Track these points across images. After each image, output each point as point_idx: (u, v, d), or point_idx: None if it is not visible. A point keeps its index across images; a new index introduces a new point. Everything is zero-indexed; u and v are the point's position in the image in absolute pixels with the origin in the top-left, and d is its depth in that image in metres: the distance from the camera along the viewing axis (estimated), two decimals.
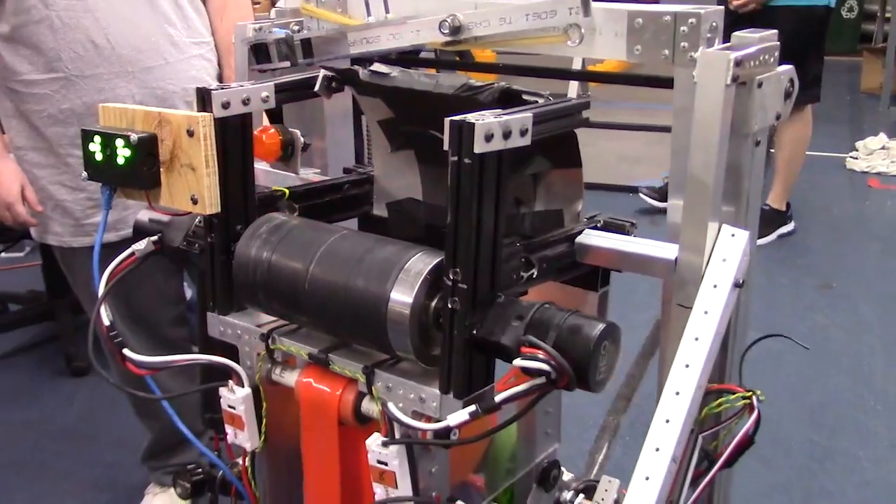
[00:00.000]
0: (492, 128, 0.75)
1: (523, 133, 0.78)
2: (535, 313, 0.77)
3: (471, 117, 0.75)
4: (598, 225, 0.96)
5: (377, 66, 0.97)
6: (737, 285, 0.84)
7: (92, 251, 1.02)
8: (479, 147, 0.74)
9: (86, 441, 2.41)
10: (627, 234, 0.94)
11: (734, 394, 0.85)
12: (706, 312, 0.82)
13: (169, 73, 1.67)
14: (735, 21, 3.29)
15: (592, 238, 0.93)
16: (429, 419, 0.84)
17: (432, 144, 0.90)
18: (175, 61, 1.67)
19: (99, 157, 0.97)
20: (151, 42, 1.64)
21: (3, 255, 3.21)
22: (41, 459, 2.35)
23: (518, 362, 0.75)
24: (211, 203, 0.94)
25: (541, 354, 0.73)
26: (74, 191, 1.68)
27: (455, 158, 0.76)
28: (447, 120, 0.75)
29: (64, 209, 1.71)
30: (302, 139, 1.15)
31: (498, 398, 0.77)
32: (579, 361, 0.74)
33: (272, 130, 1.13)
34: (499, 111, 0.78)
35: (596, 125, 1.15)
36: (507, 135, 0.77)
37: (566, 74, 0.95)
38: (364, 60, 1.09)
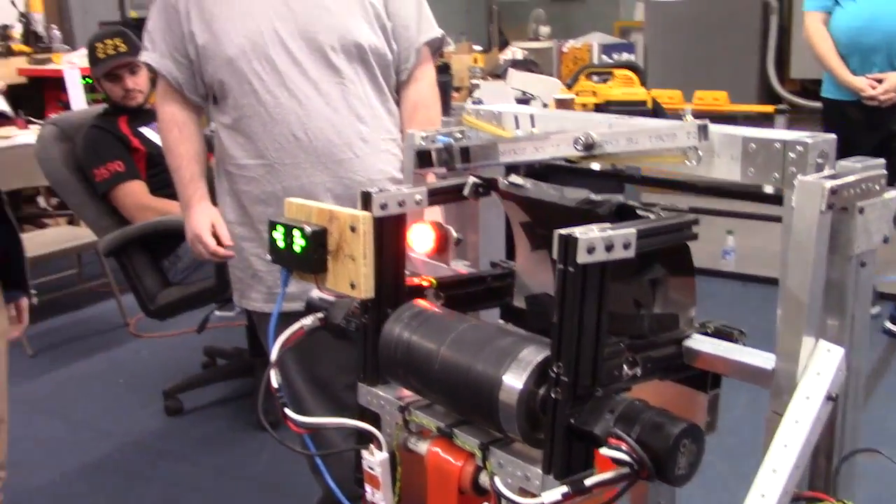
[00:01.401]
0: (594, 242, 0.85)
1: (626, 247, 0.88)
2: (625, 408, 0.86)
3: (577, 231, 0.86)
4: (709, 331, 1.03)
5: (513, 178, 1.10)
6: (830, 398, 0.88)
7: (281, 317, 1.19)
8: (582, 258, 0.85)
9: (269, 490, 2.63)
10: (735, 341, 1.01)
11: (823, 502, 0.88)
12: (797, 422, 0.88)
13: (357, 165, 1.91)
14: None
15: (698, 343, 1.00)
16: (534, 496, 0.93)
17: None
18: (364, 155, 1.90)
19: (281, 244, 1.16)
20: (344, 137, 1.89)
21: (217, 313, 3.57)
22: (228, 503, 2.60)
23: (603, 451, 0.83)
24: (366, 289, 1.09)
25: (624, 446, 0.82)
26: (268, 263, 1.92)
27: (561, 267, 0.87)
28: (556, 232, 0.87)
29: (260, 278, 1.96)
30: (455, 234, 1.29)
31: (588, 482, 0.86)
32: (659, 456, 0.82)
33: (429, 226, 1.28)
34: (607, 226, 0.89)
35: None
36: (609, 248, 0.87)
37: (684, 187, 1.04)
38: (515, 167, 1.23)
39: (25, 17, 6.53)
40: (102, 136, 3.01)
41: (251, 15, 1.86)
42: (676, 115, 5.00)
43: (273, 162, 1.90)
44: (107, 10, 6.92)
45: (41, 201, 5.60)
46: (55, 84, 5.93)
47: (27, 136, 4.63)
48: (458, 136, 1.33)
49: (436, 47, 2.10)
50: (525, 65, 6.72)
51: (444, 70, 6.74)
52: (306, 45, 1.88)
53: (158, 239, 2.98)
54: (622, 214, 0.99)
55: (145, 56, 1.99)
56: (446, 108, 4.02)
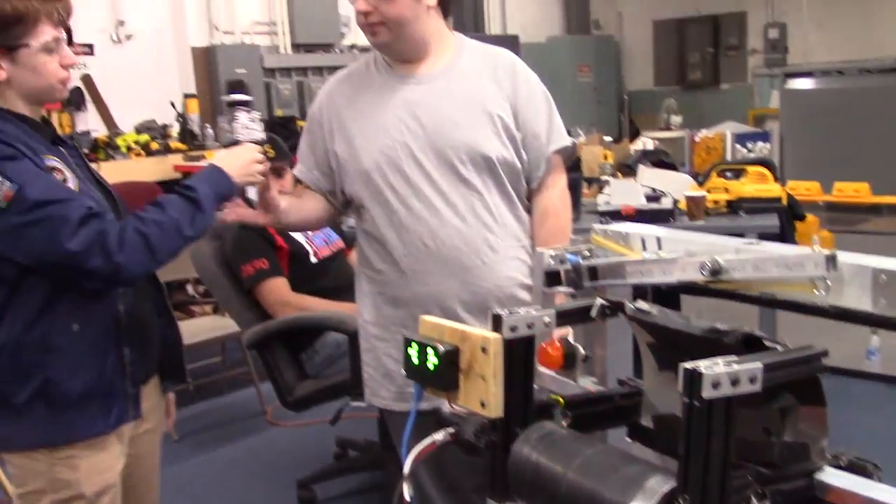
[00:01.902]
0: (719, 377, 0.87)
1: (752, 381, 0.89)
2: None
3: (702, 365, 0.88)
4: (842, 464, 1.01)
5: (640, 304, 1.13)
6: None
7: (408, 416, 1.24)
8: (707, 393, 0.87)
9: None
10: (870, 476, 0.99)
11: None
12: None
13: (485, 272, 2.00)
14: None
15: (831, 477, 0.99)
16: None
17: None
18: (491, 262, 1.97)
19: (415, 360, 1.22)
20: (472, 245, 1.99)
21: (352, 403, 3.67)
22: None
23: None
24: (495, 408, 1.13)
25: None
26: (399, 363, 1.99)
27: (686, 401, 0.89)
28: (681, 366, 0.89)
29: (391, 377, 2.04)
30: (583, 352, 1.32)
31: None
32: None
33: (557, 343, 1.31)
34: (733, 359, 0.90)
35: None
36: (735, 382, 0.88)
37: (815, 311, 1.04)
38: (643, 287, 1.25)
39: (182, 118, 7.05)
40: (249, 234, 3.20)
41: (385, 131, 2.00)
42: (813, 205, 4.86)
43: (404, 268, 2.01)
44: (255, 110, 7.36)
45: (189, 289, 5.94)
46: None
47: None
48: (587, 254, 1.37)
49: (566, 156, 2.16)
50: (656, 155, 6.72)
51: (574, 165, 6.83)
52: (436, 158, 1.99)
53: (297, 333, 3.12)
54: (749, 345, 1.00)
55: (297, 171, 2.18)
56: (577, 205, 4.06)
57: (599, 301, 1.23)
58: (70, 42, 1.85)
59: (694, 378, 0.88)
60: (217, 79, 7.25)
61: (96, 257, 1.64)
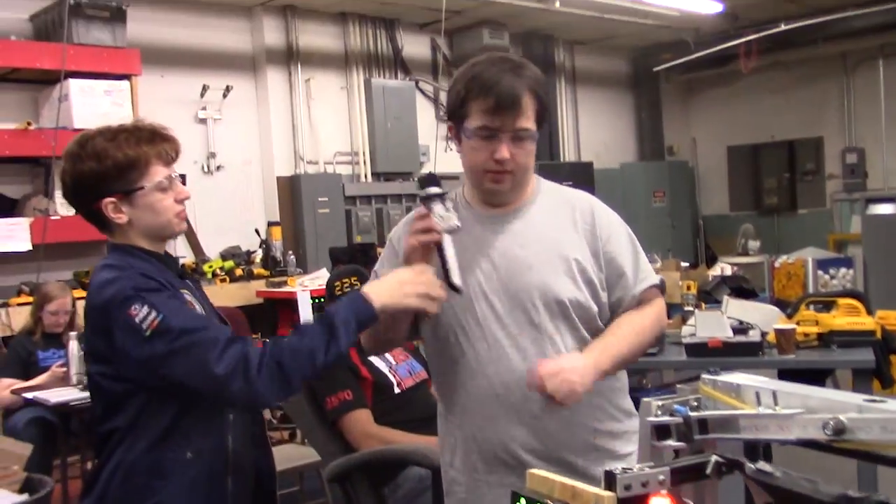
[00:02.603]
0: None
1: None
2: None
3: None
4: None
5: (762, 465, 1.09)
6: None
7: None
8: None
9: None
10: None
11: None
12: None
13: (556, 419, 1.90)
14: None
15: None
16: None
17: None
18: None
19: None
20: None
21: None
22: None
23: None
24: None
25: None
26: None
27: None
28: None
29: None
30: None
31: None
32: None
33: (669, 500, 1.27)
34: None
35: None
36: None
37: None
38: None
39: (266, 244, 7.27)
40: (334, 366, 3.23)
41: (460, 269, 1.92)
42: None
43: (472, 412, 1.97)
44: (336, 236, 7.56)
45: (267, 413, 5.98)
46: (287, 305, 6.46)
47: None
48: (694, 403, 1.35)
49: (658, 293, 2.10)
50: (735, 281, 6.63)
51: None
52: (508, 301, 1.93)
53: (380, 466, 3.09)
54: None
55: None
56: (660, 337, 4.00)
57: (715, 458, 1.20)
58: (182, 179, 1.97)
59: None
60: (300, 206, 7.48)
61: (238, 381, 1.70)
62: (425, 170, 8.20)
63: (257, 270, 7.05)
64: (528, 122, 1.87)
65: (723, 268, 7.11)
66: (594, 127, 10.37)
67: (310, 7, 7.67)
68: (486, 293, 1.93)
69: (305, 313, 6.00)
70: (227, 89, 7.30)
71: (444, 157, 7.11)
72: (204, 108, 7.24)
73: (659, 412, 1.34)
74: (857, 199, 9.73)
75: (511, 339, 1.92)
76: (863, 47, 9.59)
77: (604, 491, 1.11)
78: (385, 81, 8.16)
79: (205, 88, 7.18)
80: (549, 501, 1.15)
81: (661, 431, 1.32)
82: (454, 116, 1.92)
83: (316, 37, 7.85)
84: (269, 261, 7.18)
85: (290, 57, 7.66)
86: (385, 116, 8.03)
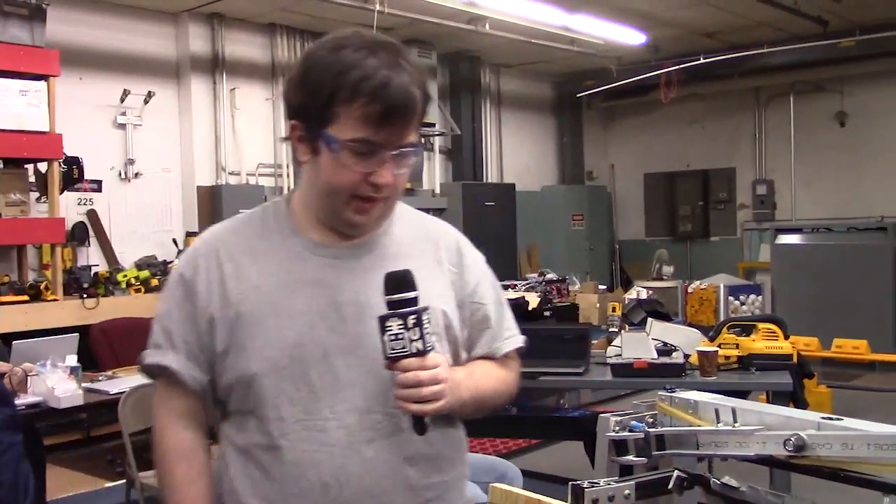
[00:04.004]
0: None
1: None
2: None
3: None
4: None
5: (727, 479, 1.11)
6: None
7: None
8: None
9: None
10: None
11: None
12: None
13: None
14: None
15: None
16: None
17: None
18: None
19: None
20: (384, 486, 1.42)
21: None
22: None
23: None
24: None
25: None
26: None
27: None
28: None
29: None
30: None
31: None
32: None
33: None
34: None
35: None
36: None
37: None
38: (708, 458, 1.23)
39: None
40: None
41: (289, 319, 1.45)
42: (811, 361, 4.86)
43: None
44: None
45: None
46: None
47: None
48: (650, 420, 1.36)
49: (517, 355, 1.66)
50: (650, 304, 6.77)
51: (572, 309, 6.88)
52: (357, 364, 1.45)
53: None
54: None
55: (165, 361, 1.48)
56: (585, 356, 4.05)
57: (677, 473, 1.21)
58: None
59: None
60: (221, 217, 7.27)
61: None
62: None
63: None
64: (414, 135, 1.42)
65: (638, 291, 7.26)
66: (517, 149, 10.51)
67: (238, 16, 7.57)
68: (327, 354, 1.42)
69: None
70: (149, 95, 7.13)
71: None
72: (123, 114, 7.05)
73: (616, 428, 1.35)
74: (767, 228, 10.09)
75: (355, 413, 1.42)
76: (775, 83, 9.99)
77: None
78: None
79: (125, 93, 6.99)
80: None
81: (619, 447, 1.33)
82: (310, 117, 1.39)
83: (243, 46, 7.75)
84: None
85: (215, 65, 7.54)
86: None
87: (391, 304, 1.33)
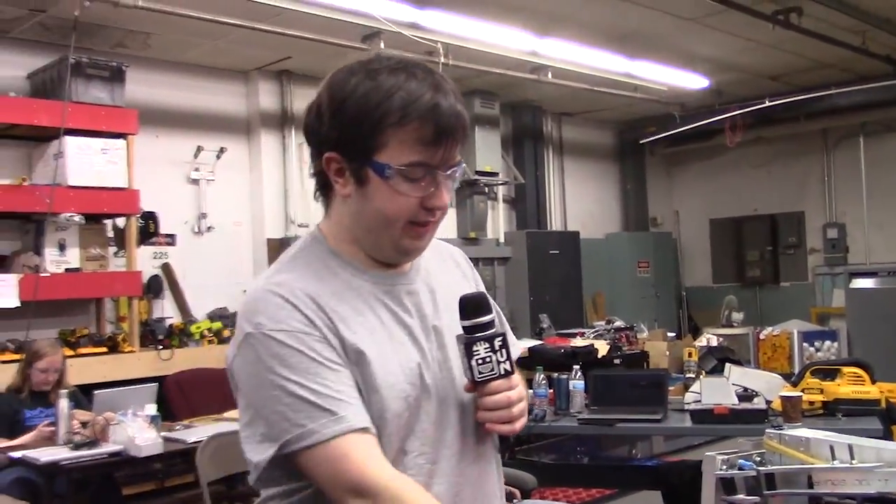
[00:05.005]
0: None
1: None
2: None
3: None
4: None
5: None
6: None
7: None
8: None
9: None
10: None
11: None
12: None
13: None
14: None
15: None
16: None
17: None
18: None
19: None
20: None
21: None
22: None
23: None
24: None
25: None
26: None
27: None
28: None
29: None
30: None
31: None
32: None
33: None
34: None
35: None
36: None
37: None
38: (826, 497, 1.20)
39: None
40: None
41: (403, 350, 1.44)
42: None
43: None
44: None
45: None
46: None
47: None
48: (757, 459, 1.33)
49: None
50: (721, 352, 6.66)
51: (641, 357, 6.78)
52: (449, 389, 1.47)
53: None
54: None
55: (353, 420, 1.32)
56: (663, 402, 3.98)
57: None
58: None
59: None
60: None
61: None
62: None
63: None
64: (459, 153, 1.39)
65: (709, 338, 7.14)
66: (580, 197, 10.48)
67: (305, 72, 7.75)
68: (428, 386, 1.39)
69: None
70: (221, 151, 7.32)
71: None
72: (197, 169, 7.24)
73: (724, 467, 1.32)
74: (840, 273, 9.85)
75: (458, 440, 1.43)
76: (844, 125, 9.83)
77: None
78: None
79: (199, 149, 7.19)
80: None
81: (727, 487, 1.30)
82: (353, 147, 1.35)
83: (309, 101, 7.91)
84: None
85: (284, 121, 7.72)
86: None
87: (473, 328, 1.34)
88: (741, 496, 1.26)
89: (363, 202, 1.36)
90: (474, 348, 1.32)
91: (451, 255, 1.60)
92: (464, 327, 1.35)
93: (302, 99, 7.82)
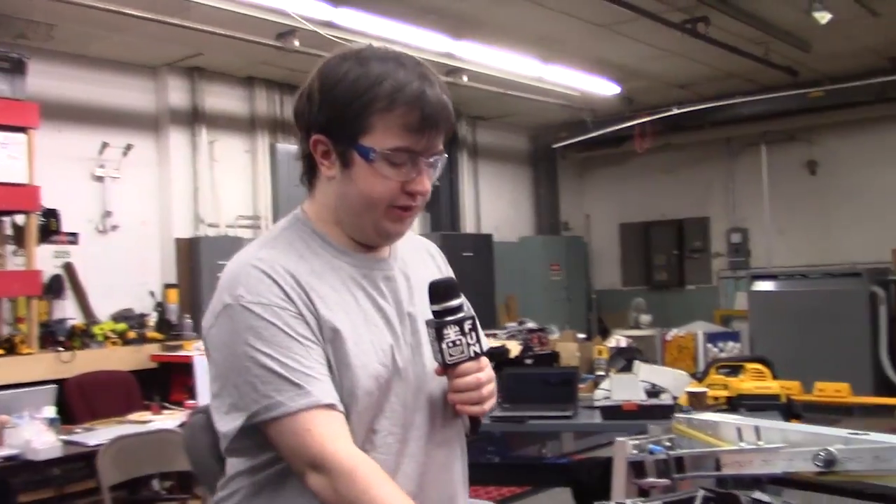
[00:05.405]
0: None
1: None
2: None
3: None
4: None
5: (759, 495, 1.09)
6: None
7: None
8: None
9: None
10: None
11: None
12: None
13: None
14: None
15: None
16: None
17: None
18: None
19: None
20: (457, 490, 1.52)
21: None
22: None
23: None
24: None
25: None
26: None
27: None
28: None
29: None
30: None
31: None
32: None
33: None
34: None
35: None
36: None
37: None
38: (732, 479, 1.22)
39: (161, 307, 7.02)
40: None
41: (378, 331, 1.47)
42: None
43: None
44: None
45: (156, 484, 5.67)
46: (183, 369, 6.21)
47: (162, 420, 4.80)
48: (667, 444, 1.35)
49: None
50: (630, 353, 6.80)
51: (552, 357, 6.86)
52: (423, 374, 1.50)
53: None
54: None
55: (321, 396, 1.34)
56: (573, 400, 4.03)
57: (703, 492, 1.20)
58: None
59: None
60: (199, 269, 7.27)
61: None
62: None
63: (151, 334, 6.78)
64: (442, 143, 1.45)
65: (618, 340, 7.29)
66: (494, 200, 10.56)
67: (217, 69, 7.60)
68: (400, 369, 1.42)
69: (202, 378, 5.77)
70: (128, 148, 7.11)
71: None
72: (102, 166, 7.01)
73: (634, 451, 1.33)
74: (742, 276, 10.16)
75: (432, 419, 1.46)
76: (746, 133, 10.16)
77: None
78: (291, 147, 8.09)
79: (104, 146, 6.97)
80: None
81: (637, 471, 1.32)
82: (340, 130, 1.39)
83: (222, 99, 7.77)
84: (163, 324, 6.93)
85: (194, 118, 7.54)
86: (289, 181, 7.96)
87: (443, 312, 1.38)
88: (651, 479, 1.27)
89: (347, 184, 1.41)
90: (444, 332, 1.36)
91: (427, 248, 1.66)
92: (434, 311, 1.39)
93: (214, 96, 7.66)
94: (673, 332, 8.87)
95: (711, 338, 8.71)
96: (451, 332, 1.36)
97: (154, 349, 6.60)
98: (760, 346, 8.39)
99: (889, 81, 8.29)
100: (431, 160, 1.41)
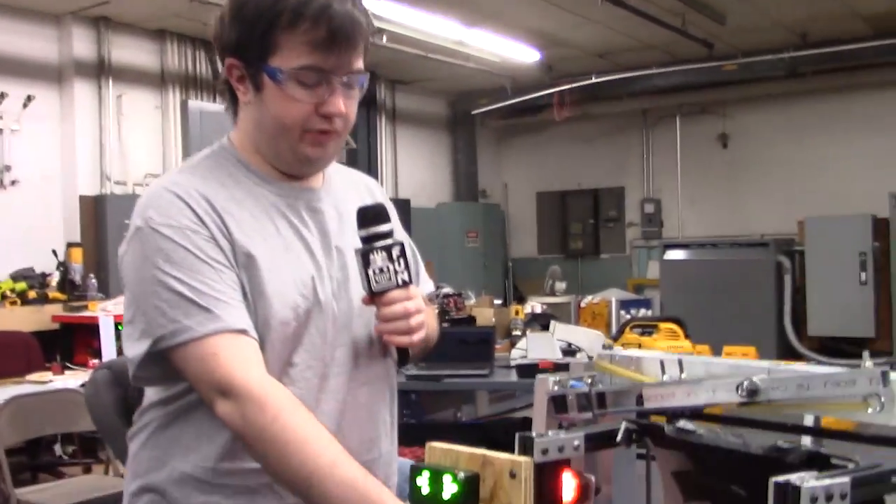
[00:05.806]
0: (816, 492, 0.81)
1: (843, 497, 0.83)
2: None
3: (794, 479, 0.82)
4: None
5: (683, 424, 1.07)
6: None
7: None
8: None
9: None
10: None
11: None
12: None
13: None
14: None
15: None
16: None
17: (732, 499, 0.96)
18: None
19: (426, 490, 1.10)
20: (379, 431, 1.45)
21: None
22: None
23: None
24: None
25: None
26: None
27: None
28: (772, 480, 0.82)
29: None
30: (593, 482, 1.23)
31: None
32: None
33: (571, 474, 1.22)
34: (816, 474, 0.84)
35: None
36: (829, 498, 0.82)
37: (868, 438, 1.00)
38: (654, 413, 1.19)
39: (64, 266, 6.74)
40: None
41: (298, 261, 1.40)
42: None
43: None
44: None
45: (57, 449, 5.48)
46: (87, 331, 5.99)
47: (63, 381, 4.61)
48: (588, 380, 1.31)
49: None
50: (545, 318, 6.84)
51: (470, 321, 6.87)
52: (346, 306, 1.43)
53: None
54: (813, 464, 0.95)
55: (233, 322, 1.28)
56: (489, 359, 4.03)
57: (625, 424, 1.16)
58: None
59: (789, 493, 0.81)
60: (105, 228, 7.00)
61: None
62: None
63: (53, 294, 6.51)
64: (361, 62, 1.35)
65: (533, 306, 7.33)
66: (412, 166, 10.48)
67: (125, 21, 7.29)
68: (321, 301, 1.36)
69: (108, 339, 5.57)
70: (29, 99, 6.76)
71: None
72: (0, 118, 6.66)
73: (556, 387, 1.29)
74: (655, 246, 10.36)
75: (355, 357, 1.40)
76: (662, 105, 10.31)
77: (519, 456, 1.04)
78: (203, 104, 7.84)
79: (2, 96, 6.61)
80: (459, 472, 1.07)
81: (560, 405, 1.28)
82: (249, 52, 1.32)
83: (131, 52, 7.45)
84: (67, 284, 6.66)
85: (100, 71, 7.21)
86: (202, 140, 7.71)
87: (370, 238, 1.32)
88: (573, 414, 1.24)
89: (261, 109, 1.35)
90: (371, 257, 1.31)
91: (367, 185, 1.59)
92: (361, 237, 1.33)
93: (121, 49, 7.35)
94: (587, 299, 8.98)
95: (625, 305, 8.84)
96: (378, 258, 1.31)
97: (56, 310, 6.35)
98: (671, 313, 8.53)
99: (799, 56, 8.48)
100: (346, 79, 1.33)
